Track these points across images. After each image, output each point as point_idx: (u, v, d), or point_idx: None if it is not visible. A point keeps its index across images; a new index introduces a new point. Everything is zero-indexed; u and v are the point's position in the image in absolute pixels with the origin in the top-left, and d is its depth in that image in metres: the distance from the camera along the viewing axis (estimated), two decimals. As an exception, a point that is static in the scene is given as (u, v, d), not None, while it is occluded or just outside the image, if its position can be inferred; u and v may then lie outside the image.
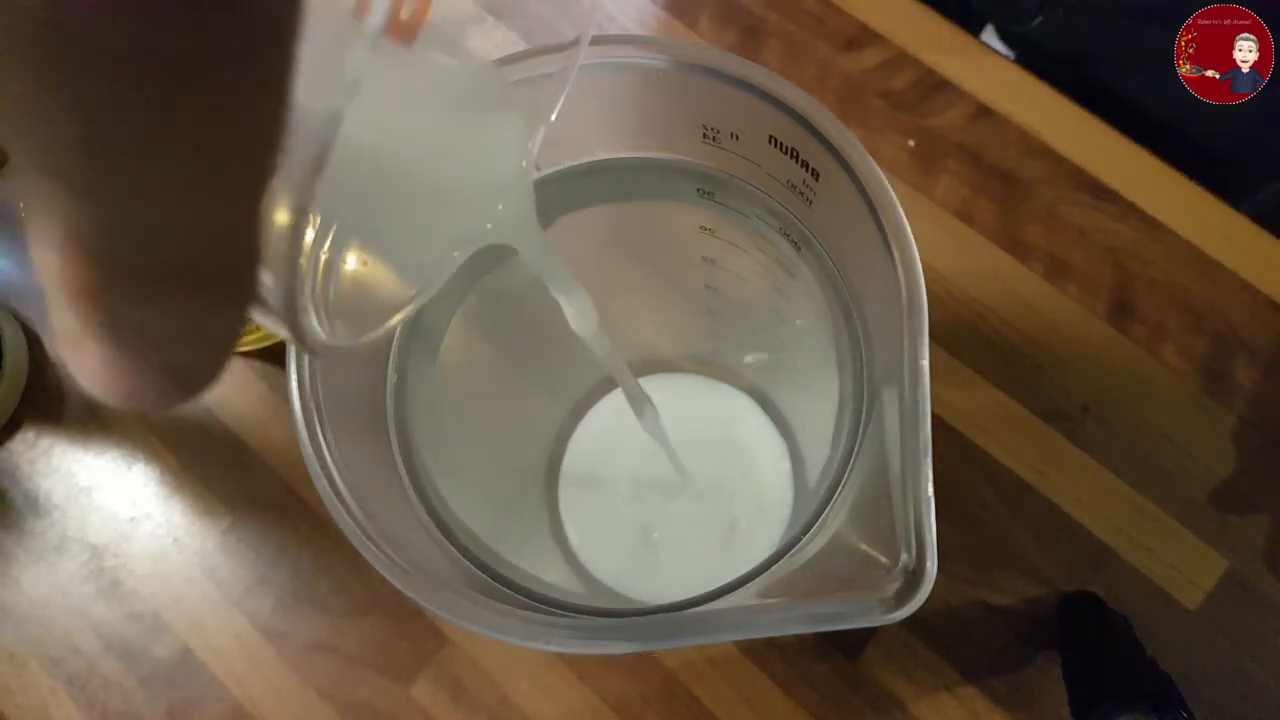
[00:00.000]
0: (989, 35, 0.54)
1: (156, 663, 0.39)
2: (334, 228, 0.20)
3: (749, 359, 0.39)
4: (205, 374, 0.09)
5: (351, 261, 0.20)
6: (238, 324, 0.09)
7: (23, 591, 0.41)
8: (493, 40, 0.45)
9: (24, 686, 0.39)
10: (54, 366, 0.44)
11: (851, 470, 0.23)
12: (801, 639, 0.38)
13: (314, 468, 0.21)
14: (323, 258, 0.20)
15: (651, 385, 0.40)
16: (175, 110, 0.07)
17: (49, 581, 0.41)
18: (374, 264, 0.19)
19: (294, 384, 0.21)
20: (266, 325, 0.11)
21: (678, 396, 0.40)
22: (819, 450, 0.28)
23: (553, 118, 0.18)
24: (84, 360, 0.08)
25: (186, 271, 0.08)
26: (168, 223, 0.08)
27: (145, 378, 0.08)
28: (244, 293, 0.09)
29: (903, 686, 0.37)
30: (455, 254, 0.19)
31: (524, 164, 0.19)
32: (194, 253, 0.08)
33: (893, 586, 0.18)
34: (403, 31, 0.16)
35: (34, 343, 0.44)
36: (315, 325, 0.17)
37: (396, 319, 0.18)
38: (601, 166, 0.27)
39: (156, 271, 0.08)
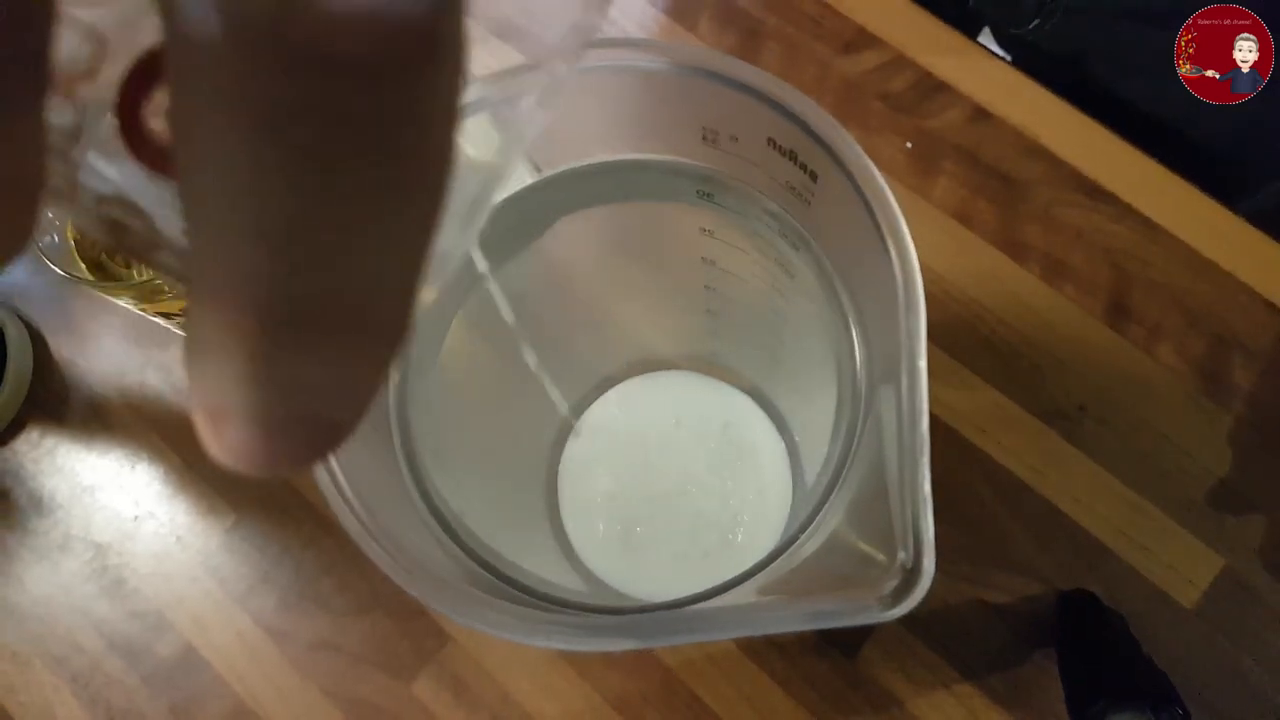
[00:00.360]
0: (985, 38, 0.54)
1: (159, 661, 0.40)
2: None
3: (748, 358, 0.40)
4: (347, 428, 0.09)
5: None
6: (385, 374, 0.09)
7: (26, 590, 0.41)
8: (497, 58, 0.46)
9: (27, 684, 0.40)
10: (58, 367, 0.44)
11: (849, 469, 0.23)
12: (801, 637, 0.38)
13: (317, 467, 0.21)
14: None
15: (652, 384, 0.41)
16: (384, 165, 0.07)
17: (52, 580, 0.41)
18: None
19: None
20: None
21: (678, 396, 0.40)
22: (817, 449, 0.28)
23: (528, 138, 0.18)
24: (229, 433, 0.08)
25: (356, 324, 0.08)
26: (355, 275, 0.08)
27: (292, 440, 0.09)
28: (399, 342, 0.09)
29: (901, 685, 0.37)
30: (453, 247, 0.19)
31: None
32: (371, 303, 0.08)
33: (890, 584, 0.18)
34: None
35: (38, 342, 0.44)
36: None
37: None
38: (602, 168, 0.27)
39: (334, 326, 0.08)
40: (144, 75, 0.10)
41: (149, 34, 0.10)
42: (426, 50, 0.07)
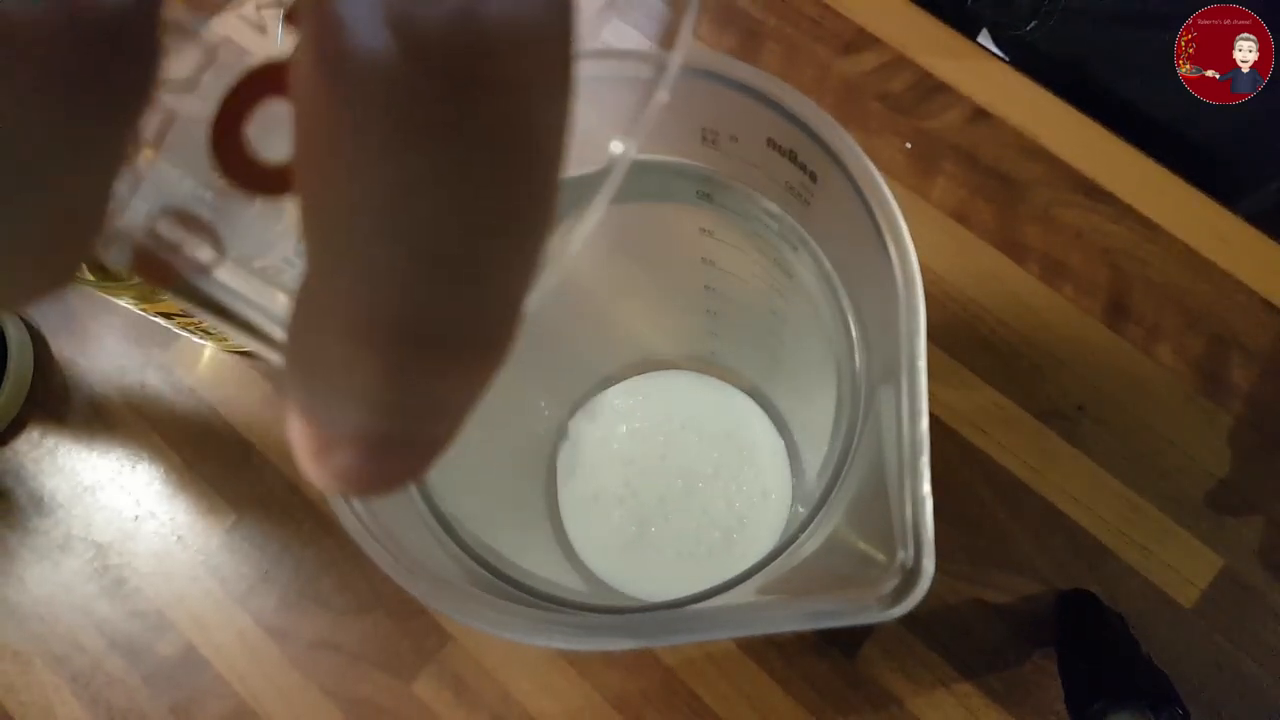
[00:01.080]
0: (985, 39, 0.54)
1: (160, 660, 0.40)
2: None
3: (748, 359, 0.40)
4: (445, 445, 0.09)
5: None
6: (484, 391, 0.09)
7: (27, 590, 0.41)
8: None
9: (28, 684, 0.40)
10: (59, 366, 0.44)
11: (849, 468, 0.23)
12: (800, 637, 0.38)
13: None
14: None
15: (652, 384, 0.41)
16: (518, 179, 0.08)
17: (53, 580, 0.41)
18: None
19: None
20: None
21: (678, 396, 0.40)
22: (817, 449, 0.28)
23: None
24: (338, 457, 0.08)
25: (475, 340, 0.08)
26: (483, 290, 0.08)
27: (397, 461, 0.09)
28: (505, 358, 0.09)
29: (901, 684, 0.37)
30: None
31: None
32: (489, 318, 0.08)
33: (890, 584, 0.18)
34: None
35: (39, 342, 0.44)
36: None
37: None
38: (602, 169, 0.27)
39: (457, 343, 0.08)
40: (250, 90, 0.10)
41: (253, 48, 0.10)
42: (564, 70, 0.07)
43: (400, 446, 0.08)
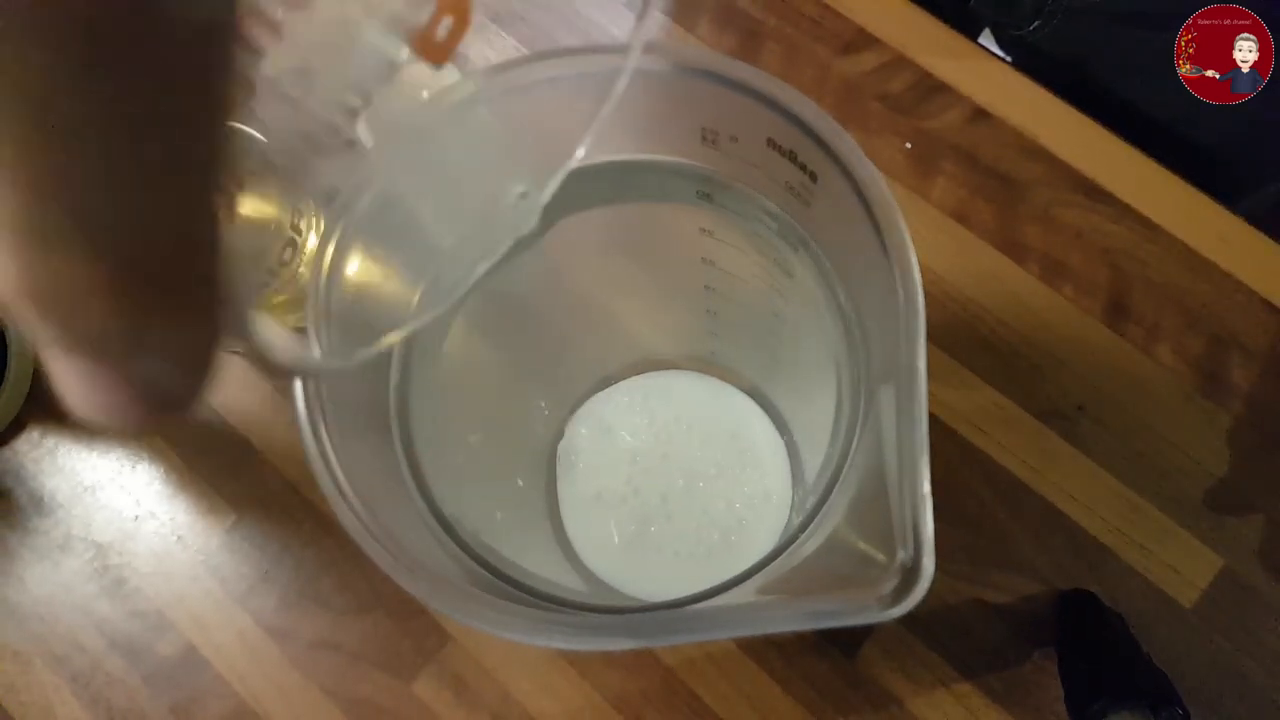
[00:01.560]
0: (986, 39, 0.54)
1: (160, 660, 0.40)
2: (337, 233, 0.21)
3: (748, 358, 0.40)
4: (183, 394, 0.09)
5: (354, 271, 0.20)
6: (209, 344, 0.09)
7: (27, 590, 0.41)
8: (494, 48, 0.46)
9: (28, 684, 0.40)
10: (58, 366, 0.44)
11: (849, 468, 0.23)
12: (800, 637, 0.38)
13: (318, 466, 0.21)
14: (324, 272, 0.20)
15: (652, 384, 0.41)
16: (152, 98, 0.07)
17: (53, 580, 0.41)
18: (381, 277, 0.19)
19: (298, 383, 0.22)
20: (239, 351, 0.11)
21: (678, 396, 0.40)
22: (817, 449, 0.28)
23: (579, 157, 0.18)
24: (61, 370, 0.08)
25: (145, 275, 0.08)
26: (130, 220, 0.08)
27: (121, 394, 0.08)
28: (210, 308, 0.08)
29: (901, 684, 0.37)
30: (473, 270, 0.19)
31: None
32: (152, 251, 0.08)
33: (890, 584, 0.18)
34: (436, 54, 0.16)
35: (38, 343, 0.44)
36: (313, 343, 0.17)
37: (399, 335, 0.18)
38: (602, 169, 0.27)
39: (112, 275, 0.08)
40: None
41: None
42: None
43: (116, 381, 0.08)
